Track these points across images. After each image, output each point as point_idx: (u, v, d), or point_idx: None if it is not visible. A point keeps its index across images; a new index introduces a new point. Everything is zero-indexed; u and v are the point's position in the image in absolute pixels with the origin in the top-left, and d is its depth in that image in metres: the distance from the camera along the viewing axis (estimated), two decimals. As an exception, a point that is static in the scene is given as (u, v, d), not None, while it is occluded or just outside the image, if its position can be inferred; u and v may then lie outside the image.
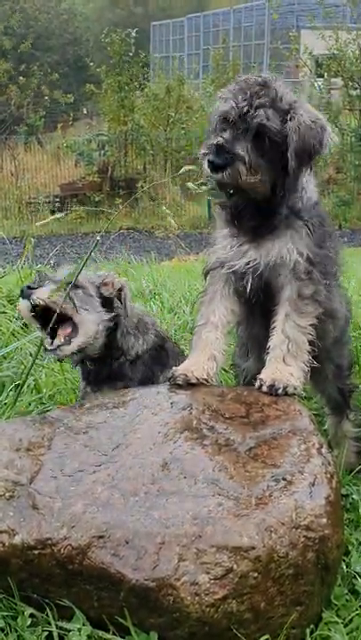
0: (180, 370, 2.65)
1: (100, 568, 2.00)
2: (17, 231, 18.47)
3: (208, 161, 2.38)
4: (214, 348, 2.69)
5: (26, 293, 2.65)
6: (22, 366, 3.91)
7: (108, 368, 2.92)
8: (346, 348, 3.16)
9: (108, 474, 2.17)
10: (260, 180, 2.42)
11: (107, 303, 2.83)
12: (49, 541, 2.07)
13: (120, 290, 2.86)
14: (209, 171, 2.39)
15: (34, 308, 2.65)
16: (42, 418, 2.55)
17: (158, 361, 3.01)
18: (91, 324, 2.75)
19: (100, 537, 2.01)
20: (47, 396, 3.62)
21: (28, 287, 2.66)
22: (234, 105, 2.38)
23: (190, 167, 3.03)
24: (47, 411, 3.15)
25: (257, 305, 2.72)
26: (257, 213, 2.56)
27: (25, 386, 3.60)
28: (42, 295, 2.64)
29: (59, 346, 2.68)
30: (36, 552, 2.08)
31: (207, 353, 2.68)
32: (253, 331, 2.84)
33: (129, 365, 2.94)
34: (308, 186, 2.64)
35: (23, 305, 2.67)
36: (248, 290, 2.65)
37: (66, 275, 2.68)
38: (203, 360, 2.67)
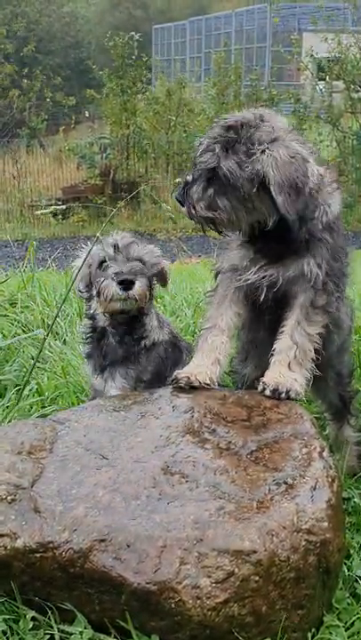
0: (183, 372, 2.66)
1: (101, 571, 2.00)
2: (19, 234, 18.49)
3: (175, 197, 2.64)
4: (219, 353, 2.71)
5: (126, 287, 2.77)
6: (24, 369, 3.92)
7: (126, 347, 2.94)
8: (347, 355, 3.17)
9: (110, 477, 2.17)
10: (219, 214, 2.54)
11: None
12: (50, 545, 2.07)
13: (163, 269, 3.00)
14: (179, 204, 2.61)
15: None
16: (43, 421, 2.56)
17: (172, 357, 3.03)
18: (145, 286, 2.84)
19: (102, 540, 2.01)
20: (49, 400, 3.62)
21: (129, 281, 2.77)
22: (197, 148, 2.58)
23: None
24: (49, 414, 3.16)
25: (266, 311, 2.74)
26: (272, 239, 2.59)
27: (27, 389, 3.61)
28: (136, 291, 2.78)
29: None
30: (38, 555, 2.08)
31: (212, 357, 2.69)
32: (258, 335, 2.85)
33: (145, 352, 2.95)
34: (332, 204, 2.64)
35: (115, 288, 2.77)
36: (262, 299, 2.68)
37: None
38: (207, 364, 2.68)
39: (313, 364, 2.66)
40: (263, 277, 2.63)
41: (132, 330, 2.93)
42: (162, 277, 3.02)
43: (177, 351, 3.08)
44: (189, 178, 2.57)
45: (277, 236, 2.55)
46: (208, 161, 2.49)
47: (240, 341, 3.00)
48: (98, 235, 3.05)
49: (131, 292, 2.75)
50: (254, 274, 2.65)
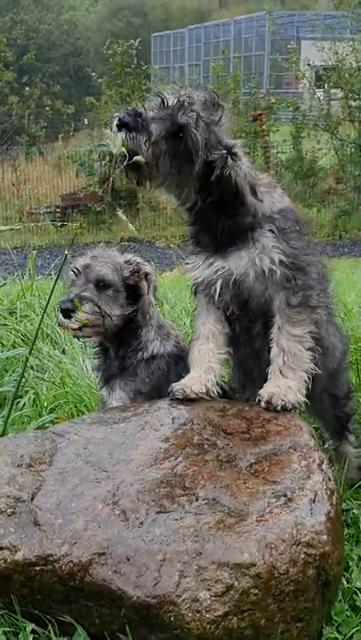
0: (178, 385, 2.67)
1: (101, 585, 2.01)
2: (18, 241, 18.50)
3: (118, 118, 2.43)
4: (210, 360, 2.70)
5: (66, 315, 2.76)
6: (24, 380, 3.92)
7: (122, 360, 2.94)
8: (343, 377, 3.11)
9: (109, 490, 2.17)
10: (160, 157, 2.44)
11: (132, 292, 2.90)
12: (50, 558, 2.07)
13: (146, 275, 2.93)
14: (117, 129, 2.43)
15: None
16: (43, 433, 2.56)
17: (176, 371, 2.98)
18: (115, 318, 2.84)
19: (102, 554, 2.02)
20: (48, 410, 3.63)
21: (69, 310, 2.75)
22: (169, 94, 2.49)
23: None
24: (48, 425, 3.16)
25: (237, 324, 2.72)
26: (217, 227, 2.59)
27: (25, 399, 3.61)
28: (80, 317, 2.75)
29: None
30: (38, 568, 2.09)
31: (203, 366, 2.69)
32: (243, 360, 2.85)
33: (144, 365, 2.94)
34: (272, 195, 2.64)
35: (63, 321, 2.78)
36: (217, 300, 2.65)
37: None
38: (200, 373, 2.68)
39: (311, 364, 2.62)
40: (216, 272, 2.60)
41: (125, 342, 2.93)
42: (146, 288, 2.93)
43: (182, 365, 3.00)
44: (151, 113, 2.44)
45: (221, 221, 2.56)
46: (187, 116, 2.42)
47: (235, 372, 2.97)
48: (66, 252, 3.05)
49: (72, 319, 2.74)
50: (205, 269, 2.63)
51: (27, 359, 3.37)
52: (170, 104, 2.46)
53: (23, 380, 3.84)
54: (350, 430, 3.15)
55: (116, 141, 2.41)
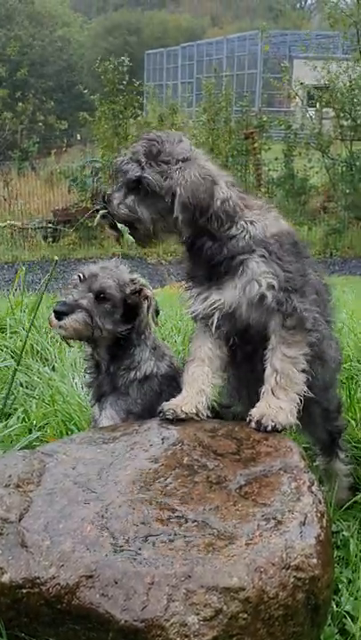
0: (169, 404, 2.66)
1: (88, 608, 1.98)
2: (9, 257, 18.49)
3: (95, 209, 2.75)
4: (202, 382, 2.70)
5: (57, 317, 2.79)
6: (12, 396, 3.90)
7: (113, 378, 2.93)
8: (333, 391, 3.14)
9: (97, 512, 2.15)
10: (137, 219, 2.61)
11: (130, 310, 2.92)
12: (37, 580, 2.05)
13: (147, 297, 2.93)
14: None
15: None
16: (31, 453, 2.54)
17: (169, 392, 2.96)
18: (105, 332, 2.86)
19: (89, 576, 1.99)
20: (37, 428, 3.60)
21: (62, 313, 2.78)
22: (119, 160, 2.67)
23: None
24: (36, 444, 3.14)
25: (236, 347, 2.73)
26: (206, 260, 2.64)
27: (15, 417, 3.59)
28: (70, 323, 2.79)
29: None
30: (25, 591, 2.06)
31: (195, 387, 2.69)
32: (241, 377, 2.84)
33: (137, 385, 2.93)
34: (257, 224, 2.64)
35: (53, 320, 2.80)
36: (215, 331, 2.68)
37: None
38: (191, 395, 2.67)
39: (304, 386, 2.63)
40: (211, 306, 2.64)
41: (116, 358, 2.92)
42: (147, 310, 2.94)
43: (175, 385, 2.99)
44: (110, 190, 2.66)
45: (207, 261, 2.63)
46: (132, 170, 2.58)
47: (229, 383, 2.96)
48: (55, 257, 3.10)
49: (62, 322, 2.76)
50: (200, 303, 2.66)
51: (14, 373, 3.35)
52: (116, 168, 2.69)
53: (12, 397, 3.82)
54: (340, 447, 3.16)
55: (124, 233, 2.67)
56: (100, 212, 2.66)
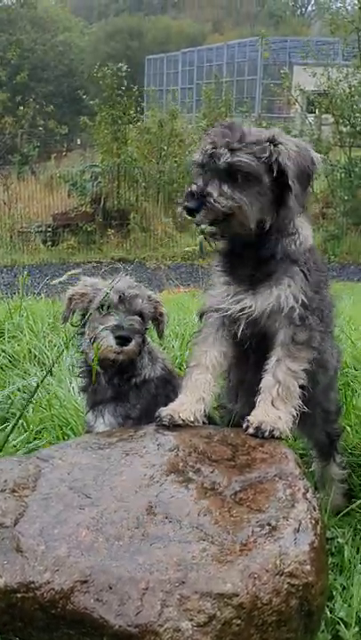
0: (166, 410, 2.66)
1: (82, 613, 1.98)
2: (8, 260, 18.51)
3: (184, 208, 2.53)
4: (203, 390, 2.71)
5: (122, 343, 2.80)
6: (9, 400, 3.90)
7: (115, 387, 2.94)
8: (334, 393, 3.20)
9: (93, 517, 2.16)
10: (240, 209, 2.50)
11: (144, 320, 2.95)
12: (32, 585, 2.05)
13: (161, 315, 3.02)
14: (188, 217, 2.53)
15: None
16: (27, 458, 2.54)
17: (164, 394, 3.01)
18: (138, 345, 2.89)
19: (84, 582, 2.00)
20: (34, 433, 3.60)
21: (126, 338, 2.80)
22: (202, 151, 2.52)
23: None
24: (34, 449, 3.14)
25: (250, 350, 2.75)
26: (251, 259, 2.63)
27: (15, 425, 3.59)
28: (131, 348, 2.82)
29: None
30: (19, 595, 2.06)
31: (196, 395, 2.70)
32: (247, 376, 2.85)
33: (135, 390, 2.95)
34: (303, 230, 2.69)
35: (113, 346, 2.80)
36: (240, 335, 2.70)
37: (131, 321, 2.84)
38: (191, 401, 2.68)
39: (300, 400, 2.66)
40: (241, 310, 2.65)
41: (121, 371, 2.93)
42: (159, 325, 3.04)
43: (170, 387, 3.05)
44: (199, 182, 2.52)
45: (254, 255, 2.60)
46: (224, 156, 2.46)
47: (230, 382, 3.00)
48: (90, 261, 3.08)
49: (125, 348, 2.78)
50: (232, 304, 2.67)
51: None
52: (201, 160, 2.52)
53: (9, 401, 3.83)
54: (337, 450, 3.18)
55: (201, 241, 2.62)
56: (201, 233, 2.55)
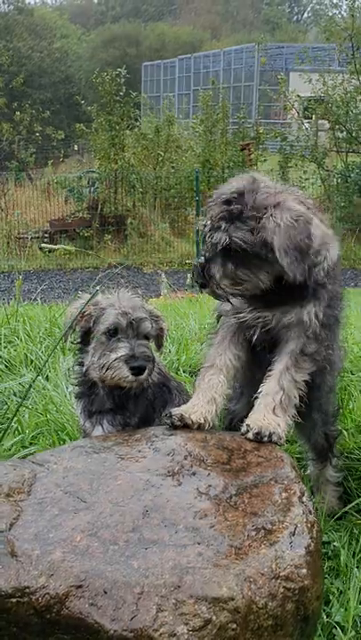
0: (178, 410, 2.68)
1: (77, 618, 1.97)
2: (5, 266, 18.51)
3: (195, 281, 2.66)
4: (215, 392, 2.73)
5: (139, 373, 2.75)
6: (5, 405, 3.90)
7: (114, 399, 2.90)
8: (333, 395, 3.22)
9: (88, 521, 2.15)
10: (244, 287, 2.59)
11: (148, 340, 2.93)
12: (27, 590, 2.03)
13: (161, 329, 2.99)
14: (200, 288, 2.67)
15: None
16: (22, 462, 2.54)
17: (161, 398, 3.01)
18: (150, 370, 2.84)
19: (79, 586, 1.99)
20: (30, 437, 3.60)
21: (143, 368, 2.75)
22: (202, 226, 2.61)
23: None
24: (29, 454, 3.13)
25: (262, 353, 2.77)
26: (278, 290, 2.63)
27: (8, 427, 3.58)
28: (146, 376, 2.77)
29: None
30: (14, 600, 2.05)
31: (208, 396, 2.71)
32: (255, 377, 2.85)
33: (133, 399, 2.92)
34: (330, 250, 2.68)
35: (128, 376, 2.75)
36: (254, 340, 2.73)
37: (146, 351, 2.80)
38: (202, 403, 2.69)
39: (295, 410, 2.68)
40: (258, 318, 2.68)
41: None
42: (158, 340, 2.99)
43: (166, 391, 3.04)
44: (203, 258, 2.60)
45: (285, 288, 2.59)
46: (220, 239, 2.51)
47: (237, 382, 3.00)
48: (97, 289, 3.04)
49: (140, 377, 2.74)
50: (250, 313, 2.70)
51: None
52: (209, 240, 2.56)
53: (5, 407, 3.82)
54: (334, 452, 3.19)
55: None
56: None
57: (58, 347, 4.84)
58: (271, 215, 2.47)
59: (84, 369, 2.91)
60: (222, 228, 2.50)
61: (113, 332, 2.77)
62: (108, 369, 2.74)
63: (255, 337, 2.71)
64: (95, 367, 2.80)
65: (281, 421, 2.61)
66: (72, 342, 3.01)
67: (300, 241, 2.48)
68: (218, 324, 2.86)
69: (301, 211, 2.53)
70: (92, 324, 2.85)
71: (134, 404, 2.91)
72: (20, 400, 4.02)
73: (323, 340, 2.67)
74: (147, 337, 2.84)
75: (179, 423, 2.63)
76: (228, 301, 2.67)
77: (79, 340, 2.94)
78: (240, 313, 2.72)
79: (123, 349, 2.73)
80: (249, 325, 2.72)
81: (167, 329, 3.04)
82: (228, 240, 2.49)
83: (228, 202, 2.53)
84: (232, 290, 2.59)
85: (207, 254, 2.58)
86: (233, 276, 2.56)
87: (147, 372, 2.75)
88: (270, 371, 2.68)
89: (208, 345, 2.87)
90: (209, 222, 2.55)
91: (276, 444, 2.55)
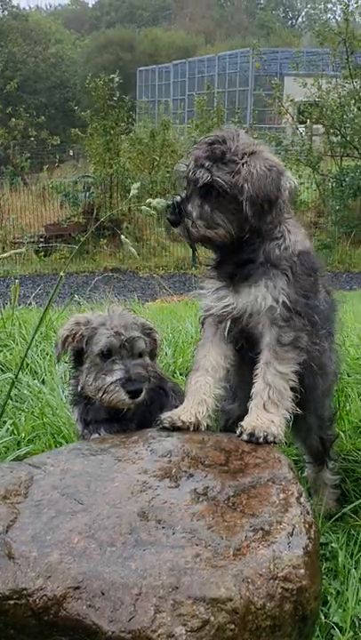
0: (168, 414, 2.68)
1: (75, 619, 1.97)
2: (1, 271, 18.50)
3: (167, 218, 2.67)
4: (204, 393, 2.72)
5: (135, 396, 2.73)
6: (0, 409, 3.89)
7: (108, 412, 2.85)
8: (329, 399, 3.20)
9: (85, 523, 2.15)
10: (216, 232, 2.61)
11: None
12: (24, 592, 2.03)
13: (155, 341, 2.97)
14: (171, 225, 2.65)
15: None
16: (19, 464, 2.53)
17: (158, 402, 2.98)
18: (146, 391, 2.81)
19: (76, 588, 1.98)
20: (26, 441, 3.59)
21: (137, 391, 2.72)
22: (185, 166, 2.63)
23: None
24: (25, 456, 3.13)
25: (246, 351, 2.76)
26: (234, 261, 2.66)
27: (3, 429, 3.58)
28: (142, 397, 2.74)
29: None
30: (12, 602, 2.04)
31: (197, 397, 2.70)
32: (244, 377, 2.85)
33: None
34: (291, 235, 2.69)
35: (125, 399, 2.72)
36: (226, 334, 2.72)
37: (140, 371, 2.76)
38: (192, 404, 2.69)
39: (292, 403, 2.65)
40: (225, 307, 2.67)
41: None
42: (152, 352, 2.96)
43: (163, 394, 3.02)
44: (181, 196, 2.62)
45: (237, 257, 2.64)
46: (202, 175, 2.54)
47: (229, 381, 2.99)
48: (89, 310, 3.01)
49: (137, 399, 2.71)
50: (215, 301, 2.70)
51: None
52: (185, 175, 2.61)
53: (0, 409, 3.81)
54: (330, 456, 3.18)
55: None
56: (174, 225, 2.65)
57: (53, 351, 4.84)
58: (246, 163, 2.54)
59: (79, 388, 2.87)
60: (205, 165, 2.55)
61: (107, 354, 2.73)
62: (104, 392, 2.71)
63: (227, 330, 2.70)
64: (91, 389, 2.77)
65: (275, 417, 2.59)
66: (65, 362, 2.97)
67: (270, 192, 2.54)
68: (202, 328, 2.85)
69: (275, 161, 2.61)
70: (84, 345, 2.81)
71: (131, 413, 2.89)
72: (16, 404, 4.02)
73: (299, 328, 2.63)
74: (141, 355, 2.80)
75: (168, 425, 2.63)
76: (194, 249, 2.71)
77: (72, 359, 2.91)
78: (212, 309, 2.72)
79: (118, 372, 2.70)
80: (221, 319, 2.71)
81: (160, 340, 3.00)
82: (210, 178, 2.53)
83: (212, 143, 2.59)
84: (205, 232, 2.60)
85: (186, 193, 2.61)
86: (208, 218, 2.58)
87: (143, 393, 2.73)
88: (255, 369, 2.66)
89: (195, 351, 2.87)
90: (193, 161, 2.59)
91: (273, 443, 2.54)
